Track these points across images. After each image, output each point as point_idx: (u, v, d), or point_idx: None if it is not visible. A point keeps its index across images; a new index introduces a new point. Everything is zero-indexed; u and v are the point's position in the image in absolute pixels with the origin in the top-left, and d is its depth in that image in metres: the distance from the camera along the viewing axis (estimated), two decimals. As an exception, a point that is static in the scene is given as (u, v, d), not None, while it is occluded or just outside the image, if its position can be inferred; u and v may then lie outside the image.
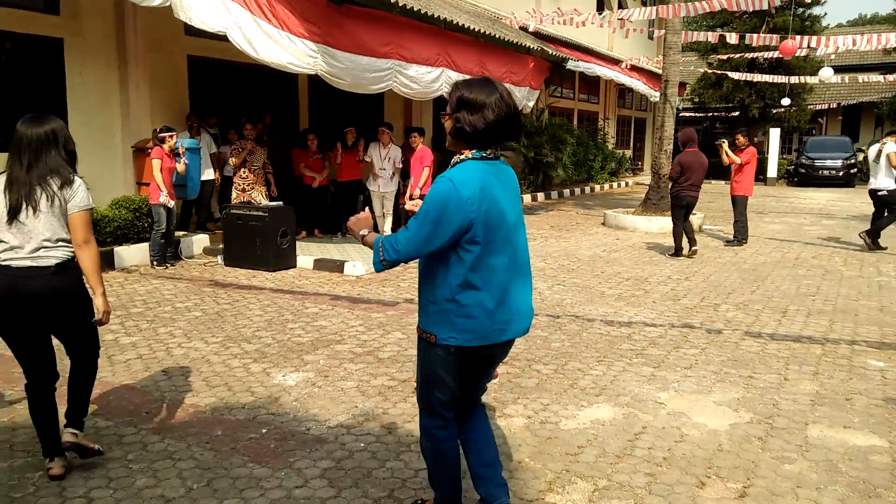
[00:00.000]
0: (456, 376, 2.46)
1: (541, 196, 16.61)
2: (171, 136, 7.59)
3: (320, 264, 7.92)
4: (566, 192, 18.10)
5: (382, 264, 2.39)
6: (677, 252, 9.13)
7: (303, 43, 7.18)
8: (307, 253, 8.38)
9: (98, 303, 3.00)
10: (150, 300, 6.29)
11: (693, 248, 9.07)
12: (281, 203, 8.28)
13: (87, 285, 3.04)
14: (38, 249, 2.88)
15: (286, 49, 7.18)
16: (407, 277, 7.52)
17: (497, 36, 10.34)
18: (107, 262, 7.34)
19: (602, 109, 23.50)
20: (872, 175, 9.64)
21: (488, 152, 2.41)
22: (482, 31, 9.79)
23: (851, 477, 3.20)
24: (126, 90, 8.55)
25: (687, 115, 29.25)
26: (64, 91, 7.99)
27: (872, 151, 9.67)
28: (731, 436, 3.63)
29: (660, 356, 4.95)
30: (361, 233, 2.54)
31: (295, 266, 7.95)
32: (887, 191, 9.33)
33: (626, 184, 22.02)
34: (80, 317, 3.03)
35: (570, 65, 13.92)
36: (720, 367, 4.75)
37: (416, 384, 2.75)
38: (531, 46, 11.57)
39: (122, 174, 8.61)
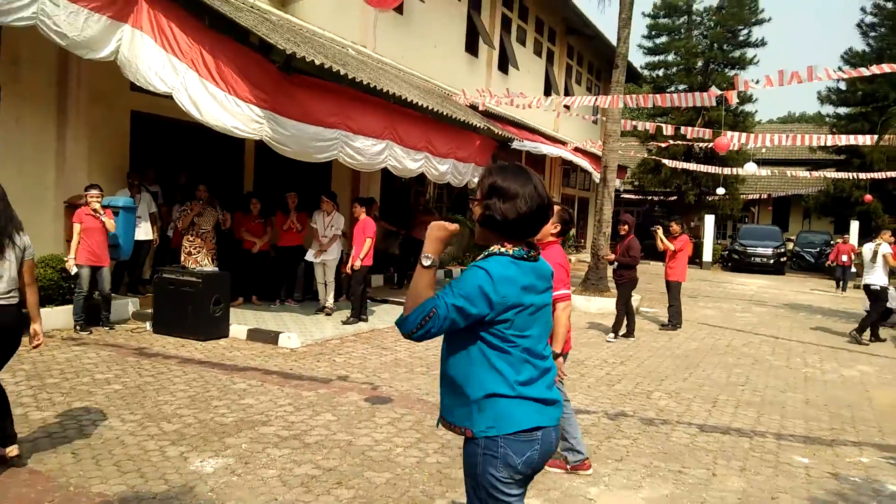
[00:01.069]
0: None
1: (484, 269, 16.73)
2: (96, 197, 7.36)
3: (254, 334, 7.68)
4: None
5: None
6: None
7: (249, 108, 7.17)
8: (242, 321, 8.14)
9: (39, 328, 3.82)
10: (68, 370, 5.94)
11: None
12: (216, 269, 8.07)
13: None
14: (10, 291, 3.63)
15: (232, 113, 7.16)
16: (343, 353, 7.36)
17: (445, 113, 10.57)
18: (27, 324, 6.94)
19: (548, 187, 24.13)
20: (867, 272, 10.28)
21: (532, 253, 2.23)
22: (430, 108, 9.99)
23: (775, 586, 3.18)
24: (63, 142, 8.29)
25: (628, 196, 30.35)
26: (-4, 137, 7.71)
27: (867, 251, 10.30)
28: (659, 537, 3.59)
29: (592, 446, 4.91)
30: (428, 256, 2.15)
31: (227, 335, 7.69)
32: (879, 286, 10.01)
33: (570, 260, 22.45)
34: (15, 346, 3.77)
35: (517, 144, 14.32)
36: (650, 459, 4.74)
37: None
38: (478, 125, 11.86)
39: (52, 230, 8.26)
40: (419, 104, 9.71)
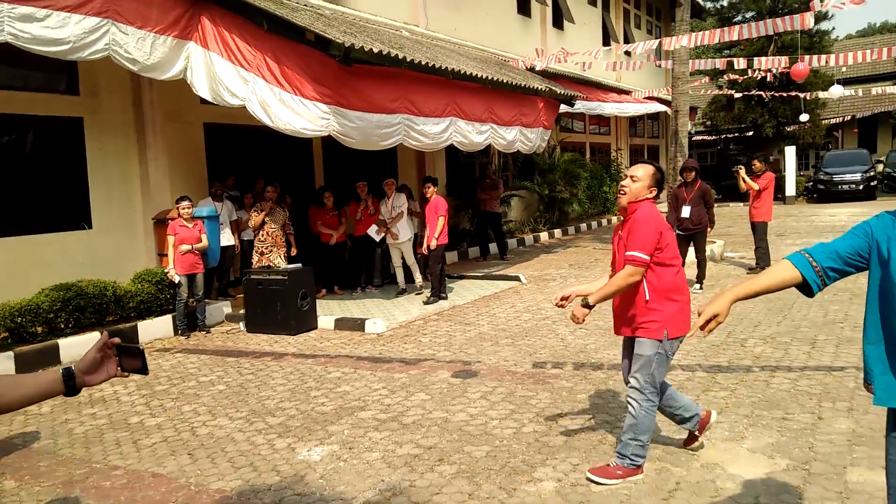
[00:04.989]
0: None
1: (557, 232, 16.59)
2: (186, 208, 7.74)
3: (341, 323, 7.94)
4: (583, 226, 18.06)
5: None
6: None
7: (315, 106, 7.33)
8: (327, 312, 8.42)
9: None
10: (174, 375, 6.33)
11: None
12: (299, 265, 8.35)
13: None
14: None
15: (300, 114, 7.34)
16: (428, 332, 7.50)
17: (504, 80, 10.46)
18: (132, 337, 7.44)
19: (614, 140, 23.56)
20: None
21: None
22: (489, 77, 9.91)
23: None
24: (145, 162, 8.76)
25: (700, 138, 29.21)
26: (85, 168, 8.21)
27: None
28: (767, 486, 3.53)
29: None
30: None
31: (316, 327, 7.98)
32: None
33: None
34: None
35: (579, 106, 14.04)
36: (752, 409, 4.64)
37: None
38: (539, 87, 11.67)
39: (143, 246, 8.78)
40: (478, 75, 9.65)
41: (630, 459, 3.68)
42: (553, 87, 12.44)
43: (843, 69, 24.00)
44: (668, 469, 3.81)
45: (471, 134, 9.76)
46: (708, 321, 2.25)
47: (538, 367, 5.97)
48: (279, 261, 8.70)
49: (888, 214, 2.17)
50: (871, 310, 2.15)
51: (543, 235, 16.06)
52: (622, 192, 3.72)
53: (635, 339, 3.71)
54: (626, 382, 3.80)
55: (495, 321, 7.90)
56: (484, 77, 9.81)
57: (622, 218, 3.79)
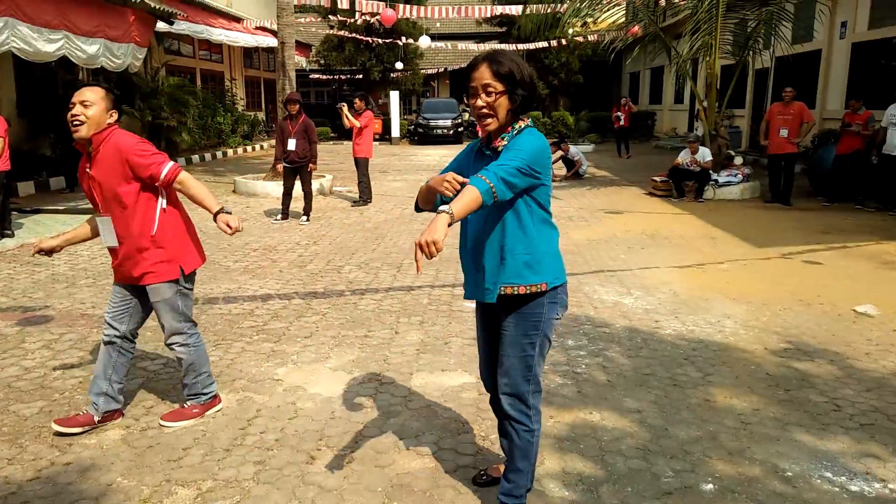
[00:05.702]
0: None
1: (166, 164, 15.28)
2: None
3: None
4: (195, 157, 17.00)
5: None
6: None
7: None
8: None
9: None
10: None
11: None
12: None
13: None
14: None
15: None
16: None
17: (82, -18, 8.96)
18: None
19: (228, 69, 22.52)
20: None
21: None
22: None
23: (445, 418, 3.51)
24: None
25: (316, 77, 29.81)
26: None
27: None
28: (343, 400, 3.71)
29: (281, 329, 4.87)
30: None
31: None
32: None
33: (262, 147, 21.62)
34: None
35: (183, 27, 12.87)
36: (339, 330, 4.85)
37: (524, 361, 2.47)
38: (129, -3, 10.32)
39: None
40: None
41: (203, 395, 3.52)
42: (146, 0, 11.14)
43: (438, 24, 26.74)
44: (251, 398, 3.74)
45: (37, 42, 8.15)
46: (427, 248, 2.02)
47: (122, 307, 5.35)
48: None
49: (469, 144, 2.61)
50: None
51: (148, 167, 14.60)
52: (77, 121, 3.09)
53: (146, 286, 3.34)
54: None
55: (75, 260, 6.89)
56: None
57: (88, 153, 3.20)
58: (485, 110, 2.30)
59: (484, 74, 2.28)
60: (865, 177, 10.05)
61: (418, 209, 2.60)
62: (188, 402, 3.52)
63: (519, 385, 2.46)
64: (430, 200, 2.49)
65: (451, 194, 2.15)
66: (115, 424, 3.41)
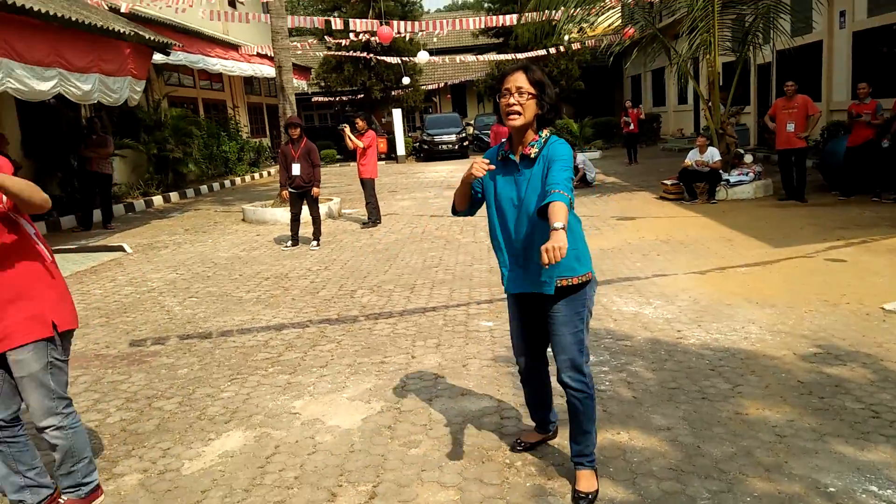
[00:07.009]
0: None
1: (174, 196, 15.32)
2: None
3: None
4: (203, 188, 17.03)
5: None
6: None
7: None
8: None
9: None
10: None
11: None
12: None
13: None
14: None
15: None
16: None
17: (74, 19, 8.92)
18: None
19: (229, 97, 22.65)
20: None
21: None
22: (51, 13, 8.32)
23: (468, 445, 3.40)
24: None
25: (318, 99, 29.95)
26: None
27: None
28: (362, 432, 3.61)
29: (296, 360, 4.79)
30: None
31: None
32: None
33: (269, 173, 21.69)
34: None
35: (180, 57, 12.93)
36: (354, 358, 4.77)
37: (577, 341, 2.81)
38: (122, 31, 10.31)
39: None
40: (34, 9, 8.04)
41: (84, 486, 2.94)
42: (140, 32, 11.17)
43: (435, 39, 26.80)
44: (269, 434, 3.65)
45: (31, 81, 8.15)
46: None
47: (136, 345, 5.31)
48: None
49: (487, 152, 2.90)
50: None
51: (157, 199, 14.66)
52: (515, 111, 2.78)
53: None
54: None
55: (88, 299, 6.86)
56: (44, 11, 8.25)
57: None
58: (515, 107, 2.64)
59: (519, 78, 2.66)
60: (880, 168, 9.88)
61: (455, 212, 2.98)
62: (64, 498, 2.92)
63: (575, 357, 2.78)
64: (466, 196, 2.86)
65: (482, 174, 2.55)
66: (132, 468, 3.32)
